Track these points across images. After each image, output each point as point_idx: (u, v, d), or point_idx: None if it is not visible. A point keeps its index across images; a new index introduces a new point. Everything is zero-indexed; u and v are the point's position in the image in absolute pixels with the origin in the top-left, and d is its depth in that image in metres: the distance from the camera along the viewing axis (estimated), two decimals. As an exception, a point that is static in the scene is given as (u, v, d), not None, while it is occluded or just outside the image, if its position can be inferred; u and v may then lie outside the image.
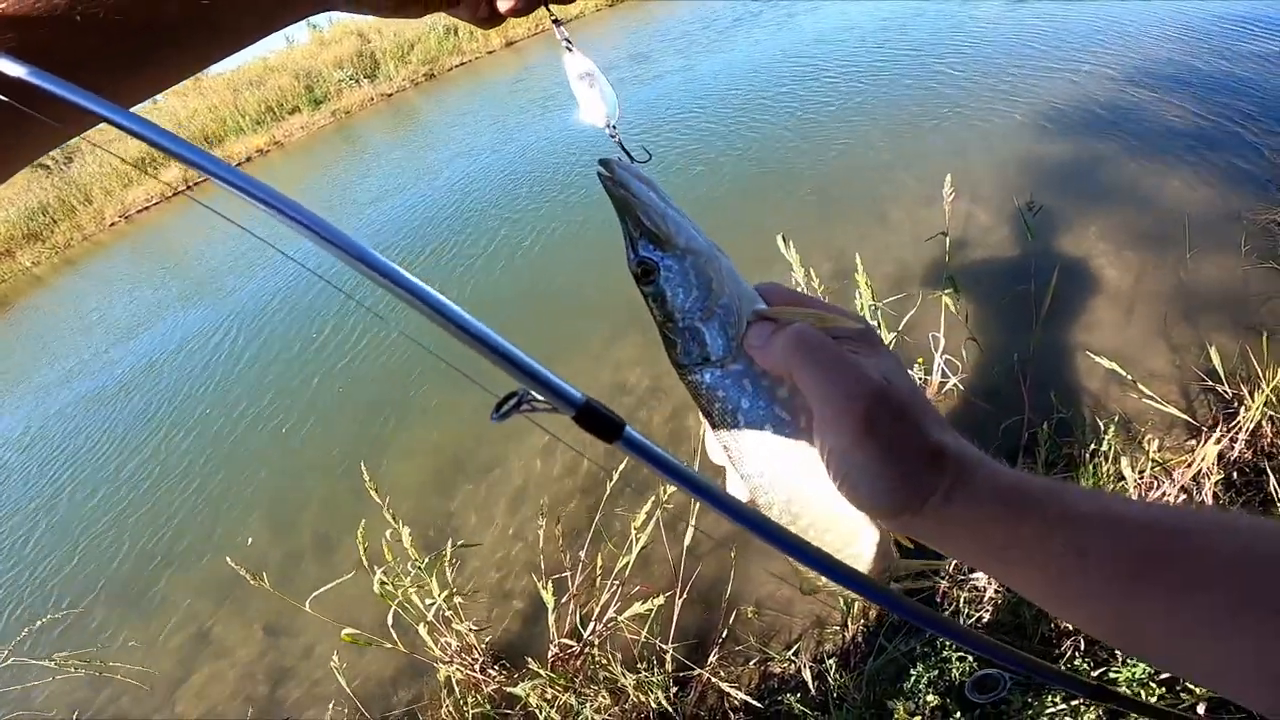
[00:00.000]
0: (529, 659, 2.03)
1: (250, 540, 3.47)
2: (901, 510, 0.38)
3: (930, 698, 1.60)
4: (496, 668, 2.26)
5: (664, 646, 1.99)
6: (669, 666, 1.98)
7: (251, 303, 6.37)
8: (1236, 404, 2.14)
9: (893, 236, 3.60)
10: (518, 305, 4.58)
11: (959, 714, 1.59)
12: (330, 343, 4.94)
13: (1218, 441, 2.01)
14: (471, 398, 3.64)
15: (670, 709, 1.91)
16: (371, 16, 0.50)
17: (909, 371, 0.37)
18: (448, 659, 2.18)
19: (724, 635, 2.10)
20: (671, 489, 2.09)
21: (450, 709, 2.10)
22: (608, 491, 2.52)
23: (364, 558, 1.98)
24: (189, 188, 10.57)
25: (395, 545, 2.06)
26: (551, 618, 2.05)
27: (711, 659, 2.03)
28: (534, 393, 0.36)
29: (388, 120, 12.98)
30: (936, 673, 1.65)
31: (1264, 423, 1.97)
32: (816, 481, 0.42)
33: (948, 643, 1.70)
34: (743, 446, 0.45)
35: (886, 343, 0.37)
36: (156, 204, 13.16)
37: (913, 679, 1.65)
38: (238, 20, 0.43)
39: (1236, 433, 1.97)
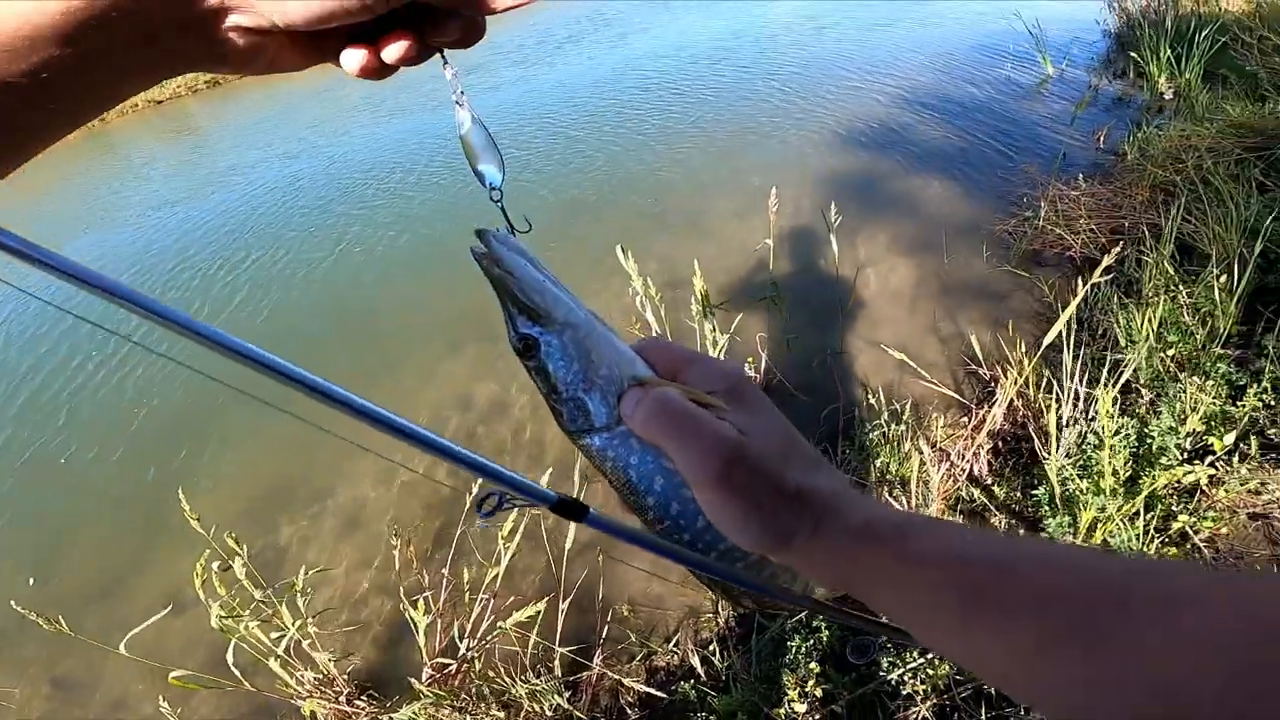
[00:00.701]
0: (409, 681, 1.98)
1: (31, 580, 2.96)
2: (771, 550, 0.43)
3: (812, 665, 1.81)
4: (364, 699, 2.17)
5: (555, 649, 2.04)
6: (558, 671, 2.03)
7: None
8: (994, 384, 2.64)
9: (721, 247, 3.89)
10: (346, 324, 4.27)
11: (840, 676, 1.82)
12: (98, 374, 4.28)
13: (981, 422, 2.48)
14: (281, 427, 3.37)
15: (567, 714, 1.96)
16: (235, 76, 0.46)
17: (776, 416, 0.47)
18: (306, 694, 2.04)
19: (605, 636, 2.18)
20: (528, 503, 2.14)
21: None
22: (466, 507, 2.51)
23: (199, 590, 1.78)
24: None
25: (225, 576, 1.87)
26: (421, 638, 1.99)
27: (596, 661, 2.10)
28: (511, 494, 0.43)
29: (158, 128, 11.35)
30: (811, 642, 1.87)
31: (1015, 398, 2.45)
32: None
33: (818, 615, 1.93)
34: (640, 500, 0.48)
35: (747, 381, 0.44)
36: None
37: (792, 651, 1.86)
38: (75, 105, 0.38)
39: (995, 408, 2.43)
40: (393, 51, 0.43)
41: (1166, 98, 4.74)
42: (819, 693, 1.76)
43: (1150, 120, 4.45)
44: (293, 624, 1.90)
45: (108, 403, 3.94)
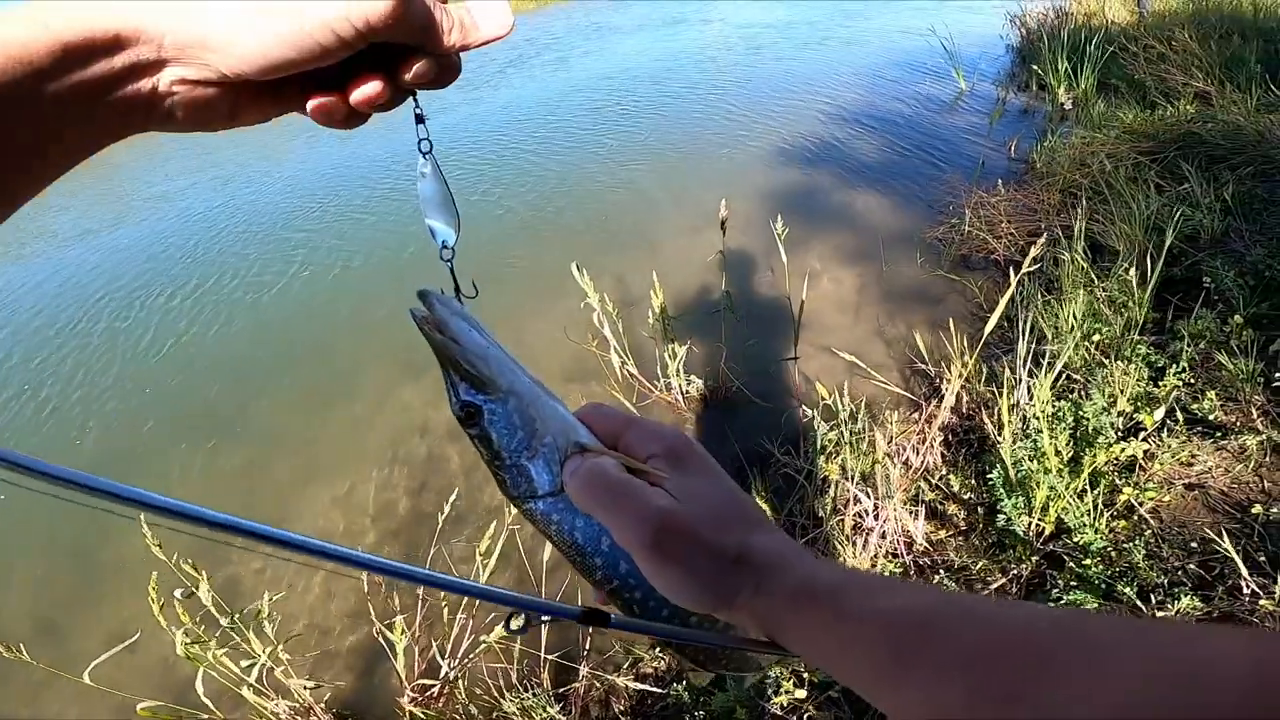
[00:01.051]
0: (390, 706, 1.93)
1: None
2: (713, 610, 0.44)
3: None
4: None
5: (540, 665, 2.02)
6: (547, 685, 2.02)
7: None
8: (939, 380, 2.77)
9: (674, 261, 3.94)
10: (297, 351, 4.12)
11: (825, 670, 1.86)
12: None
13: (932, 416, 2.61)
14: (223, 459, 3.25)
15: None
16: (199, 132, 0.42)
17: (715, 477, 0.48)
18: None
19: (589, 647, 2.18)
20: (509, 520, 2.13)
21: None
22: (438, 525, 2.47)
23: (159, 617, 1.68)
24: None
25: (187, 604, 1.75)
26: (400, 660, 1.93)
27: (584, 671, 2.09)
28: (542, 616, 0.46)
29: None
30: None
31: (961, 391, 2.59)
32: None
33: None
34: (587, 561, 0.48)
35: (683, 435, 0.51)
36: None
37: None
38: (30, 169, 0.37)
39: (945, 402, 2.56)
40: (362, 94, 0.40)
41: (1067, 107, 5.11)
42: (816, 679, 1.81)
43: (1054, 129, 4.80)
44: (263, 650, 1.82)
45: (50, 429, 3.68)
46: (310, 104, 0.41)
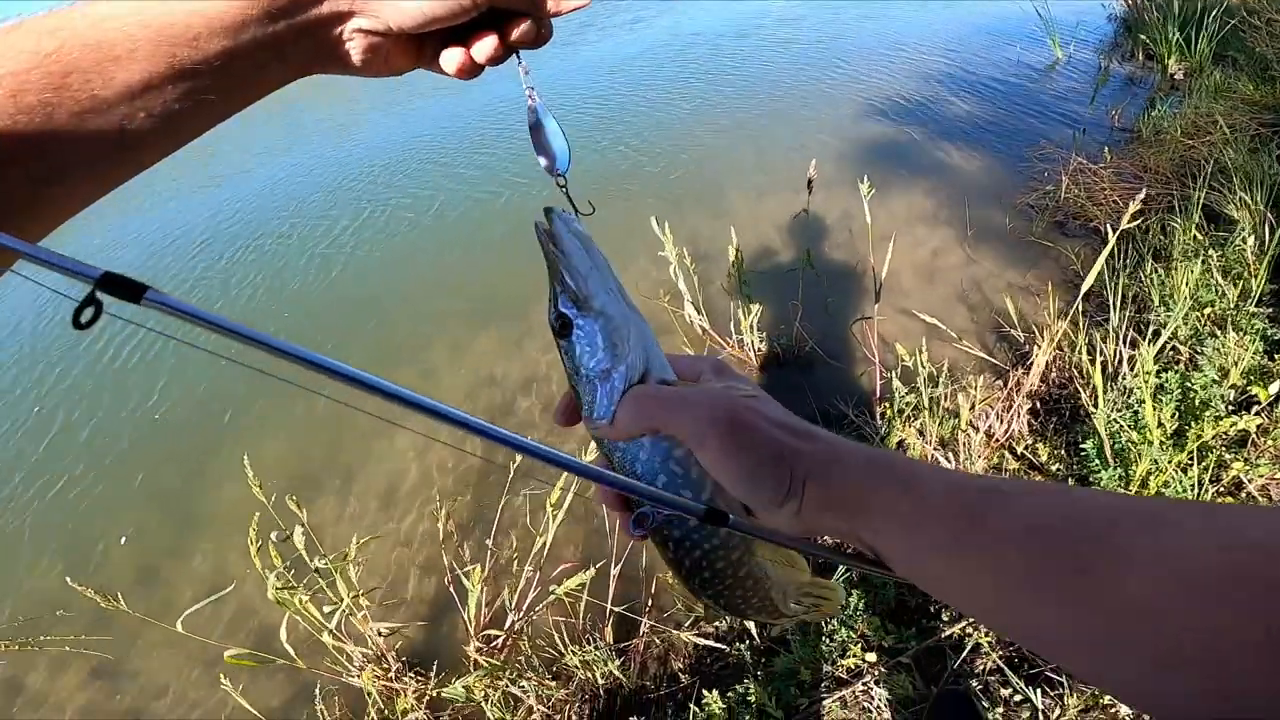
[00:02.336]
0: (454, 654, 1.93)
1: (122, 538, 2.90)
2: (776, 502, 0.43)
3: (873, 619, 1.76)
4: (411, 674, 2.12)
5: (602, 619, 1.98)
6: (608, 638, 1.98)
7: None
8: (1028, 346, 2.59)
9: (751, 219, 3.82)
10: (370, 307, 4.18)
11: (902, 630, 1.76)
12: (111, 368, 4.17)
13: (1019, 383, 2.44)
14: (300, 406, 3.30)
15: (617, 682, 1.90)
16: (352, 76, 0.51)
17: (757, 391, 0.48)
18: (358, 669, 1.98)
19: (651, 604, 2.13)
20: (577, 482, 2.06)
21: (375, 720, 1.91)
22: (510, 479, 2.46)
23: (255, 559, 1.73)
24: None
25: (280, 548, 1.79)
26: (471, 610, 1.93)
27: (644, 627, 2.05)
28: (662, 508, 0.44)
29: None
30: (870, 596, 1.82)
31: (1052, 360, 2.41)
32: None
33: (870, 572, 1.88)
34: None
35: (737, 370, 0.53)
36: None
37: (851, 606, 1.81)
38: (224, 96, 0.45)
39: (1035, 367, 2.38)
40: (482, 50, 0.50)
41: (1178, 78, 4.70)
42: (885, 644, 1.72)
43: (1163, 100, 4.40)
44: (347, 595, 1.83)
45: (128, 397, 3.83)
46: (445, 56, 0.50)
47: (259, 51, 0.43)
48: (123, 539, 2.91)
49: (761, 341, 2.86)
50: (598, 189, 4.55)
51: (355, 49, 0.47)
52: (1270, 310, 2.39)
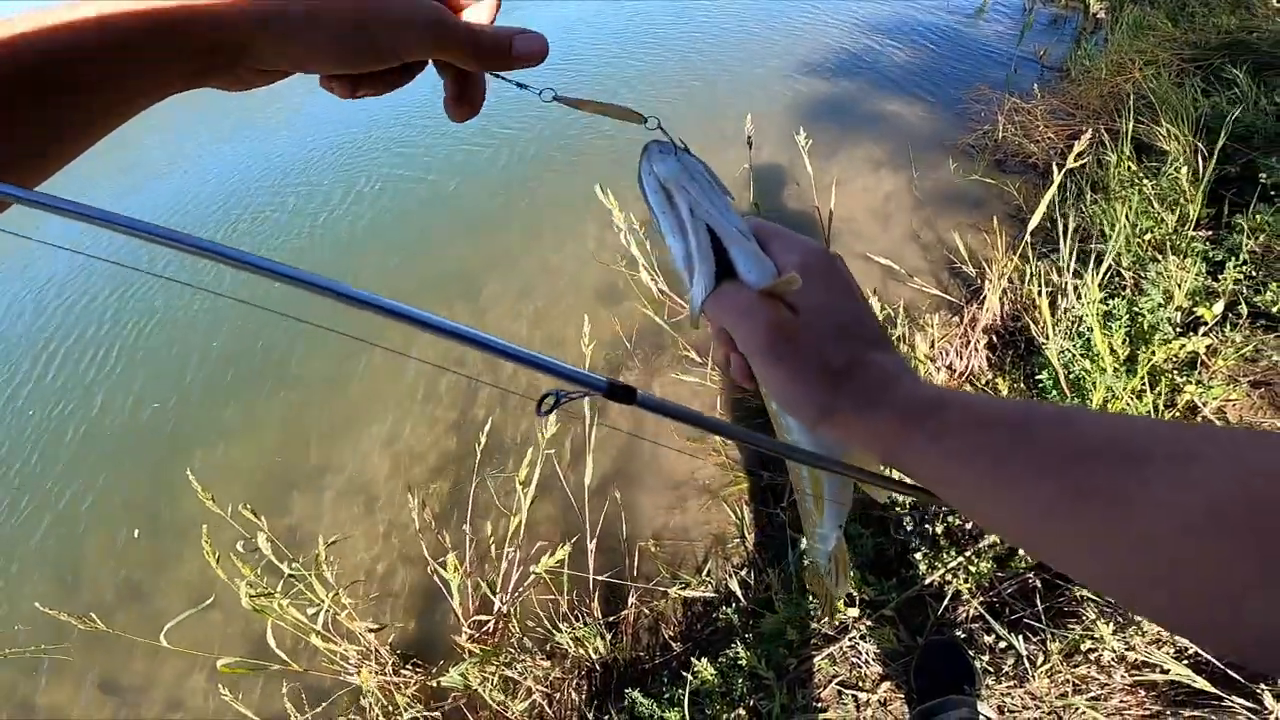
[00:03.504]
0: (449, 643, 1.85)
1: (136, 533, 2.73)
2: (815, 421, 0.44)
3: (852, 572, 1.74)
4: (409, 667, 2.02)
5: (589, 594, 1.91)
6: (597, 613, 1.91)
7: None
8: (980, 281, 2.59)
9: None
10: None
11: (883, 582, 1.74)
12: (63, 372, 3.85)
13: (974, 318, 2.43)
14: (276, 405, 3.12)
15: (611, 656, 1.84)
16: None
17: (844, 294, 0.46)
18: (354, 667, 1.89)
19: (635, 574, 2.06)
20: (544, 445, 1.98)
21: (380, 717, 1.83)
22: (476, 460, 2.35)
23: (218, 570, 1.61)
24: None
25: (248, 556, 1.71)
26: (455, 598, 1.84)
27: (632, 599, 1.98)
28: (567, 389, 0.43)
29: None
30: (850, 550, 1.79)
31: (1005, 293, 2.40)
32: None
33: (849, 523, 1.85)
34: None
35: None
36: None
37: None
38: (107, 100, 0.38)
39: (988, 301, 2.38)
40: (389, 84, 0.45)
41: (1100, 17, 4.74)
42: (866, 597, 1.70)
43: (1088, 38, 4.45)
44: (326, 595, 1.74)
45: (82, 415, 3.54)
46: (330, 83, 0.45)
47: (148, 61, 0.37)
48: (135, 532, 2.76)
49: (719, 296, 2.78)
50: (540, 161, 4.38)
51: (248, 79, 0.42)
52: (1209, 233, 2.42)
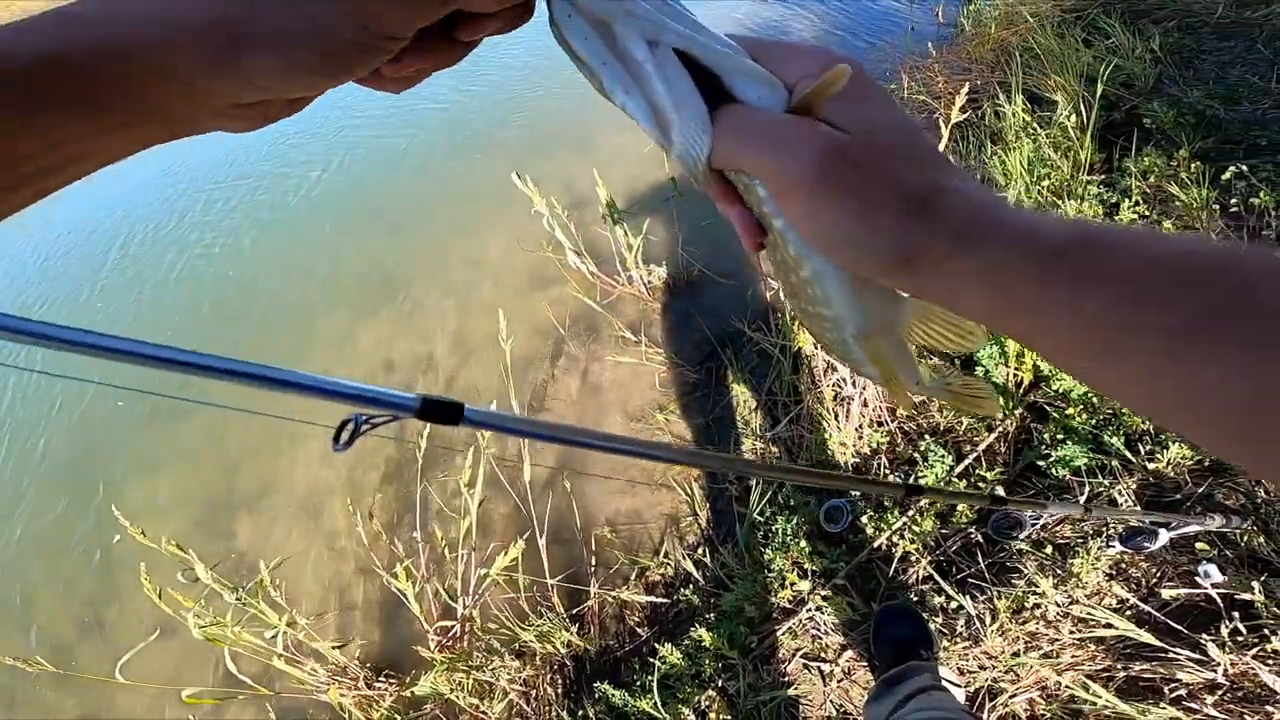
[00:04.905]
0: (418, 652, 1.78)
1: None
2: (888, 270, 0.33)
3: (801, 544, 1.74)
4: (382, 680, 1.93)
5: (550, 588, 1.86)
6: (559, 608, 1.87)
7: None
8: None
9: (612, 158, 3.59)
10: (238, 305, 3.68)
11: (832, 550, 1.75)
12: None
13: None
14: (197, 425, 2.92)
15: (580, 649, 1.80)
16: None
17: (888, 106, 0.34)
18: (324, 686, 1.79)
19: (594, 563, 2.02)
20: (484, 444, 1.92)
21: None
22: (419, 467, 2.25)
23: (161, 604, 1.50)
24: None
25: (192, 588, 1.64)
26: (415, 606, 1.76)
27: (593, 589, 1.94)
28: (369, 412, 0.36)
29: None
30: (794, 522, 1.79)
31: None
32: (814, 261, 0.37)
33: (792, 492, 1.85)
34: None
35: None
36: None
37: (778, 536, 1.77)
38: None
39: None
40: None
41: (985, -28, 4.86)
42: (817, 568, 1.70)
43: (977, -7, 4.56)
44: (280, 620, 1.64)
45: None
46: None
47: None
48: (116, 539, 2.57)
49: (650, 274, 2.74)
50: (455, 157, 4.19)
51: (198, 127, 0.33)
52: (1103, 177, 2.53)
